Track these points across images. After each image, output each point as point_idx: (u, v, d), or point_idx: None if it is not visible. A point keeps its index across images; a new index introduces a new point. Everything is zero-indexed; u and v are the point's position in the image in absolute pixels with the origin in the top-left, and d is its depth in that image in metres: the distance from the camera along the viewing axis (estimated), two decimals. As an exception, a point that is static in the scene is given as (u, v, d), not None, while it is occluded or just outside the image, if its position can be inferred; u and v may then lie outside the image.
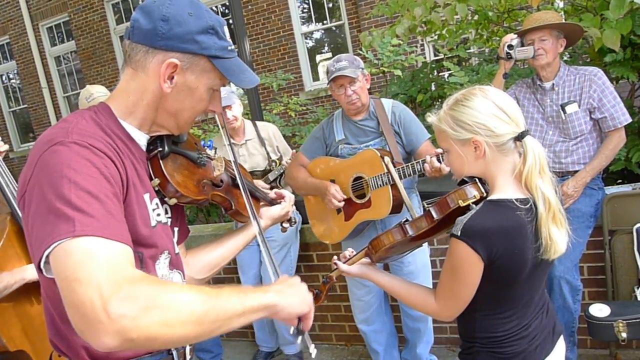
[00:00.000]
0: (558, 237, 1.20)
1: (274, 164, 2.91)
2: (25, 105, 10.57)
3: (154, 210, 1.04)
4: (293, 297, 1.02)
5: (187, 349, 1.14)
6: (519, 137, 1.21)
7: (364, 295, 2.62)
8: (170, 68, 1.00)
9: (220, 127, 1.28)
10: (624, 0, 2.35)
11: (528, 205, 1.19)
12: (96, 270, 0.75)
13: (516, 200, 1.19)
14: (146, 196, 1.02)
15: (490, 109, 1.21)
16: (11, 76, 11.03)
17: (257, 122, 3.10)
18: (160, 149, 1.09)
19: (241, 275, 3.15)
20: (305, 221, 3.10)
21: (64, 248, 0.77)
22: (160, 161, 1.08)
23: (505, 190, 1.22)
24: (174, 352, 1.08)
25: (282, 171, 2.88)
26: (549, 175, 1.21)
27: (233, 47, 1.09)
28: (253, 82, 1.11)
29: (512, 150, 1.23)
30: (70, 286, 0.75)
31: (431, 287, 1.52)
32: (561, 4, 3.60)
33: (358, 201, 2.38)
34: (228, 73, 1.05)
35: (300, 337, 1.07)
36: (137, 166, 1.03)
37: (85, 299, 0.73)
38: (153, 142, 1.10)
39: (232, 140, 2.97)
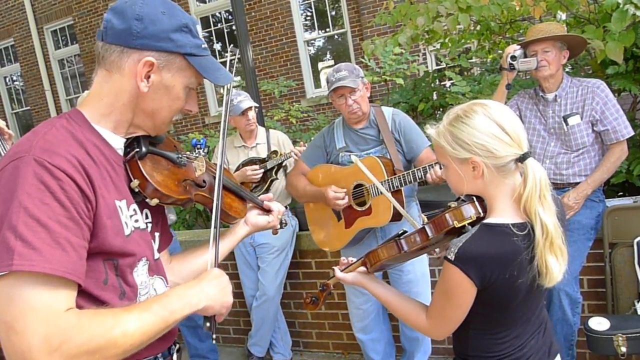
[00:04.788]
0: (554, 266, 1.15)
1: (273, 154, 3.02)
2: (28, 108, 10.59)
3: (131, 216, 1.03)
4: (218, 299, 1.05)
5: (175, 356, 1.13)
6: (521, 159, 1.16)
7: (362, 303, 2.60)
8: (146, 67, 1.00)
9: (222, 121, 1.27)
10: (626, 13, 2.35)
11: (525, 231, 1.15)
12: (31, 323, 0.79)
13: (513, 225, 1.15)
14: (122, 202, 1.01)
15: (491, 128, 1.16)
16: (15, 78, 11.06)
17: (270, 130, 3.23)
18: (137, 149, 1.08)
19: (241, 277, 3.18)
20: (303, 228, 3.10)
21: (3, 285, 0.80)
22: (139, 162, 1.07)
23: (503, 213, 1.18)
24: None
25: (280, 162, 2.97)
26: (549, 201, 1.16)
27: (206, 45, 1.09)
28: (228, 79, 1.11)
29: (512, 172, 1.18)
30: (7, 332, 0.79)
31: (430, 296, 1.51)
32: (563, 16, 3.61)
33: (358, 209, 2.37)
34: (204, 70, 1.06)
35: (209, 324, 1.08)
36: (112, 173, 1.01)
37: (17, 351, 0.78)
38: (130, 144, 1.09)
39: (243, 143, 3.03)
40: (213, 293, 1.04)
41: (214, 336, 1.10)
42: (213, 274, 1.08)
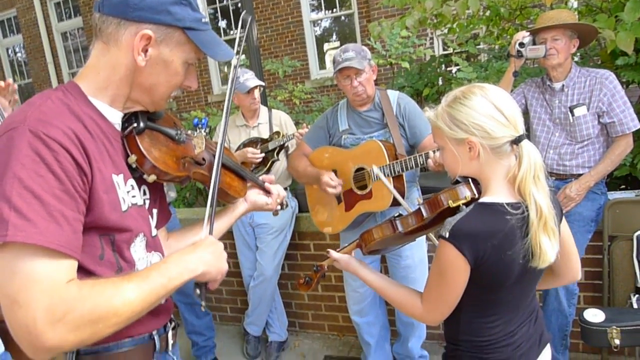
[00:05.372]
0: (547, 246, 1.17)
1: (275, 135, 2.99)
2: (30, 80, 10.54)
3: (128, 192, 1.02)
4: (214, 265, 1.06)
5: (170, 333, 1.13)
6: (516, 141, 1.18)
7: (359, 286, 2.61)
8: (144, 40, 0.97)
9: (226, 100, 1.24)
10: (640, 3, 2.31)
11: (520, 211, 1.16)
12: (35, 295, 0.79)
13: (507, 204, 1.16)
14: (119, 177, 0.99)
15: (488, 110, 1.17)
16: (17, 50, 10.98)
17: (273, 110, 3.18)
18: (135, 124, 1.06)
19: (239, 256, 3.18)
20: (303, 209, 3.10)
21: (3, 257, 0.80)
22: (136, 137, 1.05)
23: (498, 193, 1.20)
24: (156, 337, 1.08)
25: (282, 143, 2.95)
26: (543, 182, 1.18)
27: (207, 19, 1.07)
28: (228, 55, 1.09)
29: (507, 154, 1.19)
30: (11, 306, 0.80)
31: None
32: (575, 4, 3.55)
33: (359, 192, 2.37)
34: (203, 45, 1.03)
35: (199, 291, 1.09)
36: (109, 146, 0.99)
37: (22, 324, 0.79)
38: (128, 119, 1.07)
39: (245, 122, 3.01)
40: (210, 259, 1.05)
41: (203, 304, 1.11)
42: (209, 241, 1.09)
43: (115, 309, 0.86)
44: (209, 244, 1.08)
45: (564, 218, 1.31)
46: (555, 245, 1.19)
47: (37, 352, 0.81)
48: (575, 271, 1.39)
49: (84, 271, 0.91)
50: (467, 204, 1.24)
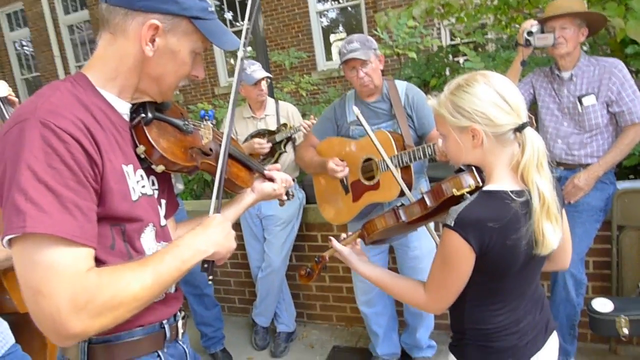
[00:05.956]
0: (550, 233, 1.17)
1: (282, 127, 2.99)
2: (38, 73, 10.58)
3: (137, 182, 1.03)
4: (223, 244, 1.09)
5: (180, 322, 1.15)
6: (519, 129, 1.17)
7: (366, 277, 2.62)
8: (151, 30, 0.97)
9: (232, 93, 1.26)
10: (651, -10, 2.28)
11: (523, 198, 1.16)
12: (58, 285, 0.82)
13: (511, 192, 1.16)
14: (129, 168, 1.00)
15: (491, 97, 1.17)
16: (24, 43, 11.01)
17: (280, 102, 3.18)
18: (143, 115, 1.07)
19: (247, 247, 3.20)
20: (310, 201, 3.11)
21: (24, 249, 0.82)
22: (145, 128, 1.06)
23: (502, 181, 1.20)
24: (166, 326, 1.09)
25: (289, 135, 2.95)
26: (546, 169, 1.18)
27: (213, 8, 1.07)
28: (235, 44, 1.10)
29: (511, 141, 1.19)
30: (34, 296, 0.82)
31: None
32: (584, -8, 3.50)
33: (367, 183, 2.37)
34: (210, 35, 1.03)
35: (206, 265, 1.13)
36: (118, 137, 1.00)
37: (46, 313, 0.82)
38: (136, 110, 1.08)
39: (252, 114, 3.01)
40: (219, 239, 1.07)
41: (210, 277, 1.15)
42: (217, 220, 1.11)
43: (135, 294, 0.89)
44: (217, 224, 1.10)
45: (563, 210, 1.30)
46: (558, 232, 1.20)
47: (63, 339, 0.85)
48: (565, 260, 1.40)
49: (95, 261, 0.92)
50: (471, 193, 1.24)
